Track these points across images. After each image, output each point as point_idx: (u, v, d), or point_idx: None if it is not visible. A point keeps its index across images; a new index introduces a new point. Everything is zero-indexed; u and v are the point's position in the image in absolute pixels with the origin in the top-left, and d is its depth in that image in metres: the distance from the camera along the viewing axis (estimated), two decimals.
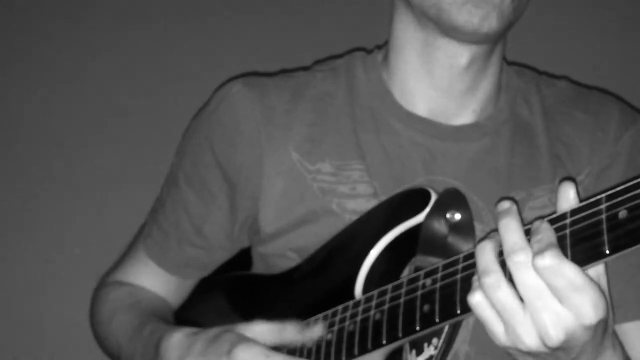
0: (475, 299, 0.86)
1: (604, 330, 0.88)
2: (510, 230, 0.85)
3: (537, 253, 0.82)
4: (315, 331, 1.09)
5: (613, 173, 1.21)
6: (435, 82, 1.21)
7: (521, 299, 0.84)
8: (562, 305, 0.82)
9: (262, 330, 1.07)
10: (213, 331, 1.09)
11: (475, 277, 0.88)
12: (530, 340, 0.84)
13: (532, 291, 0.83)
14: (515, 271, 0.83)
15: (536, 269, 0.82)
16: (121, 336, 1.30)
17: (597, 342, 0.87)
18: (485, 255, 0.87)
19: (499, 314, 0.85)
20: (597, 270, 0.87)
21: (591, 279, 0.83)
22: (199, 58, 1.92)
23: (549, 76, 1.35)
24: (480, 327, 1.15)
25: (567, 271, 0.81)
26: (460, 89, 1.21)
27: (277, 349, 1.12)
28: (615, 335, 0.97)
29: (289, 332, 1.08)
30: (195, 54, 1.92)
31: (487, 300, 0.86)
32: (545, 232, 0.84)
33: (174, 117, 1.64)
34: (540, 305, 0.82)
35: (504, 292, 0.84)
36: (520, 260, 0.83)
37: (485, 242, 0.88)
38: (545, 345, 0.84)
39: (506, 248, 0.85)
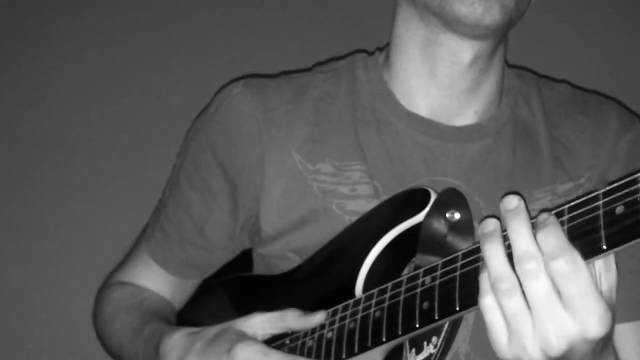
0: (487, 302, 0.85)
1: (604, 345, 0.87)
2: (521, 235, 0.83)
3: (551, 256, 0.80)
4: (316, 317, 1.08)
5: (611, 177, 1.21)
6: (438, 80, 1.21)
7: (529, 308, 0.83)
8: (568, 315, 0.81)
9: (262, 321, 1.08)
10: (212, 330, 1.10)
11: (483, 277, 0.86)
12: (533, 351, 0.83)
13: (541, 298, 0.81)
14: (525, 279, 0.82)
15: (549, 273, 0.80)
16: (123, 336, 1.31)
17: (597, 355, 0.86)
18: (498, 258, 0.84)
19: (508, 320, 0.84)
20: (610, 284, 0.86)
21: (601, 292, 0.82)
22: (201, 60, 1.93)
23: (549, 79, 1.36)
24: (481, 327, 1.15)
25: (580, 278, 0.80)
26: (462, 88, 1.21)
27: (277, 347, 1.13)
28: (613, 349, 0.96)
29: (290, 319, 1.08)
30: (197, 56, 1.93)
31: (499, 306, 0.84)
32: (554, 228, 0.82)
33: (176, 119, 1.65)
34: (547, 314, 0.81)
35: (516, 300, 0.83)
36: (532, 269, 0.81)
37: (494, 243, 0.85)
38: (546, 355, 0.83)
39: (517, 254, 0.83)
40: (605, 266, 0.86)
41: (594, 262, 0.84)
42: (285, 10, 1.95)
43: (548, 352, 0.82)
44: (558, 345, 0.82)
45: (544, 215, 0.84)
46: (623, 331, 1.19)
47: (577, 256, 0.80)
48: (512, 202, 0.85)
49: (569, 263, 0.80)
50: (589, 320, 0.80)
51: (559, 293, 0.81)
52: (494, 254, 0.85)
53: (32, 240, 1.88)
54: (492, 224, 0.87)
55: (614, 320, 0.85)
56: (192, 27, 1.94)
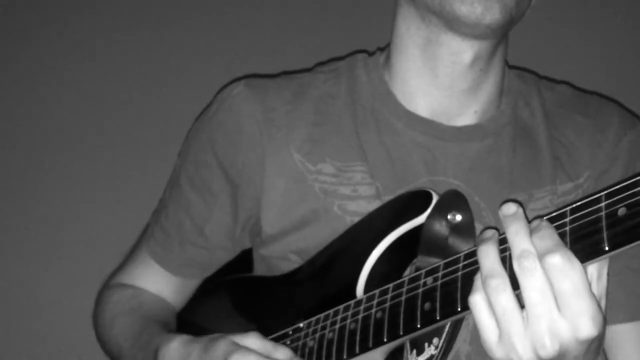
0: (476, 299, 0.87)
1: (596, 351, 0.88)
2: (520, 236, 0.85)
3: (547, 252, 0.82)
4: None
5: (611, 177, 1.22)
6: (438, 80, 1.21)
7: (521, 307, 0.84)
8: (561, 315, 0.82)
9: (255, 344, 1.07)
10: (209, 338, 1.10)
11: (476, 277, 0.88)
12: (523, 350, 0.84)
13: (535, 295, 0.83)
14: (523, 276, 0.83)
15: (545, 268, 0.82)
16: (122, 341, 1.31)
17: (589, 358, 0.87)
18: (490, 257, 0.87)
19: (497, 318, 0.85)
20: (600, 292, 0.87)
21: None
22: (201, 60, 1.93)
23: (549, 80, 1.36)
24: None
25: (575, 274, 0.81)
26: (462, 88, 1.21)
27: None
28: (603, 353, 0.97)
29: (280, 355, 1.08)
30: (198, 56, 1.93)
31: (488, 302, 0.86)
32: (549, 231, 0.84)
33: (177, 119, 1.65)
34: (540, 312, 0.82)
35: (506, 296, 0.84)
36: (529, 265, 0.83)
37: (488, 245, 0.88)
38: (538, 356, 0.84)
39: (516, 253, 0.84)
40: (597, 274, 0.87)
41: (587, 270, 0.85)
42: (285, 10, 1.95)
43: (540, 352, 0.83)
44: (551, 345, 0.83)
45: (536, 221, 0.87)
46: (624, 331, 1.19)
47: (571, 254, 0.82)
48: (511, 208, 0.88)
49: (564, 258, 0.81)
50: (580, 319, 0.81)
51: (553, 291, 0.82)
52: (486, 254, 0.87)
53: (32, 240, 1.88)
54: (489, 232, 0.90)
55: (604, 327, 0.86)
56: (192, 27, 1.94)
